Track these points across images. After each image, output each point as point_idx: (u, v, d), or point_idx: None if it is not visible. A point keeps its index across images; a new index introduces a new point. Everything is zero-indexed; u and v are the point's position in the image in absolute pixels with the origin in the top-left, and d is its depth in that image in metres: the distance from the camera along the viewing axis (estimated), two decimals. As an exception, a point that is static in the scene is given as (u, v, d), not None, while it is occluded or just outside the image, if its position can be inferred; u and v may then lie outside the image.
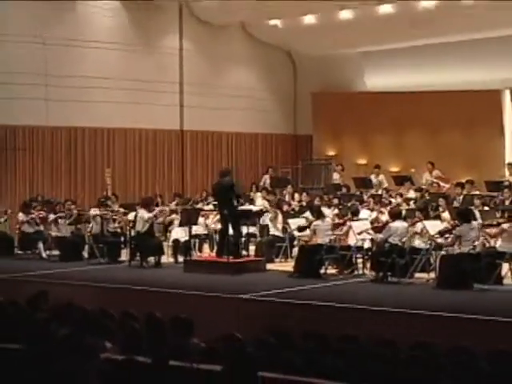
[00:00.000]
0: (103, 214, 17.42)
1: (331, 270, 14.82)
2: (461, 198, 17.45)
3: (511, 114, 21.58)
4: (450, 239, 13.89)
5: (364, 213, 16.47)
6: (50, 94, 20.27)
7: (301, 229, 16.08)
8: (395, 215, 14.89)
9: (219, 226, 16.12)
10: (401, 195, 18.15)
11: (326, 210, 16.34)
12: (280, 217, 17.28)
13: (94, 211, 17.62)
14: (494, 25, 20.15)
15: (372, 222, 15.64)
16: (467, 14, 20.03)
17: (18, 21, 19.82)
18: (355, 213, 15.97)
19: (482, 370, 6.65)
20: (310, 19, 22.77)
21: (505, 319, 10.50)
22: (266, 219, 17.39)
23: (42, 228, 17.96)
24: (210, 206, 18.15)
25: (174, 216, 17.72)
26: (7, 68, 19.52)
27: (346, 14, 21.94)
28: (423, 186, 19.26)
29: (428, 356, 6.73)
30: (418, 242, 14.42)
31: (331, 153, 23.97)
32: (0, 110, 19.56)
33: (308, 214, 16.79)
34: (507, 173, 19.45)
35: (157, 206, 17.33)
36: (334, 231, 15.24)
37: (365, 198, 18.48)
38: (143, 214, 16.37)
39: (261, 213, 17.59)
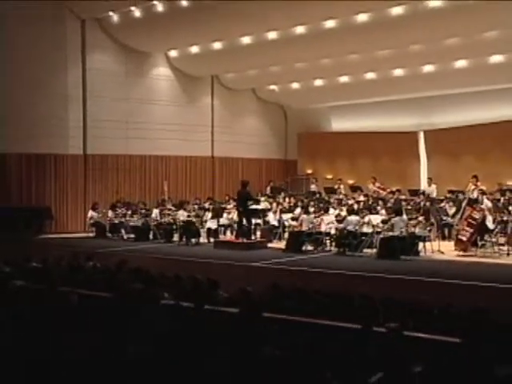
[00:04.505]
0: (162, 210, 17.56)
1: (309, 248, 14.84)
2: (393, 200, 17.43)
3: (423, 147, 21.52)
4: (386, 226, 13.94)
5: (331, 210, 16.49)
6: (129, 133, 20.32)
7: (293, 219, 16.16)
8: (351, 211, 14.91)
9: (237, 219, 16.14)
10: (354, 198, 18.18)
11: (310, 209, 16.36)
12: (278, 212, 17.29)
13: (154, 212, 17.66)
14: (413, 90, 20.17)
15: (336, 216, 15.66)
16: (396, 83, 20.08)
17: (110, 86, 19.85)
18: (326, 210, 16.00)
19: (407, 315, 6.63)
20: (295, 85, 22.80)
21: (420, 278, 10.60)
22: (270, 214, 17.35)
23: (123, 220, 18.02)
24: (231, 206, 18.16)
25: (207, 213, 17.75)
26: (102, 117, 19.54)
27: (318, 82, 22.00)
28: (369, 193, 19.24)
29: (370, 303, 6.72)
30: (365, 229, 14.45)
31: (309, 171, 23.88)
32: (97, 144, 19.62)
33: (298, 210, 16.77)
34: (427, 184, 19.42)
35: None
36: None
37: (331, 200, 18.47)
38: (180, 211, 16.66)
39: (265, 210, 17.59)
